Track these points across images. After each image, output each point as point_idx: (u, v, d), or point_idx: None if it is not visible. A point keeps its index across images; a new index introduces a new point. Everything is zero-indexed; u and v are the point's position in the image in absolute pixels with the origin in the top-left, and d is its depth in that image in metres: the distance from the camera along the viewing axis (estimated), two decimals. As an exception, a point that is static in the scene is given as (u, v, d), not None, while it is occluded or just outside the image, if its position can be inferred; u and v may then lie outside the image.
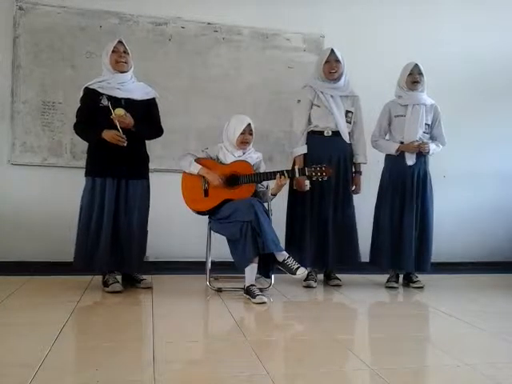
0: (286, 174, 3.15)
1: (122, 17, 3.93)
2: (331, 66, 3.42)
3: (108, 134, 2.98)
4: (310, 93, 3.48)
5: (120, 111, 3.00)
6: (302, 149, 3.46)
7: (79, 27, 3.86)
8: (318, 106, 3.46)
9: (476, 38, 4.56)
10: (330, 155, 3.40)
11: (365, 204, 3.65)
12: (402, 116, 3.55)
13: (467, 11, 4.54)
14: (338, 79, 3.46)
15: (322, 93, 3.45)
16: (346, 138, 3.46)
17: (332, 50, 3.43)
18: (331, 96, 3.45)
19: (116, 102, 3.05)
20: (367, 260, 3.63)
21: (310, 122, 3.48)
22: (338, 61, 3.42)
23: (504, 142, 4.71)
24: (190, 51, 4.09)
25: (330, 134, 3.44)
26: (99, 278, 3.21)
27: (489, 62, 4.60)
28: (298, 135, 3.47)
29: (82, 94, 3.11)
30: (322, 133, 3.45)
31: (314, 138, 3.46)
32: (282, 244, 3.20)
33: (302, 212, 3.45)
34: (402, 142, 3.53)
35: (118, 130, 2.98)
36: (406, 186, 3.51)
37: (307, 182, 3.30)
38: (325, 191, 3.42)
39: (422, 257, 3.53)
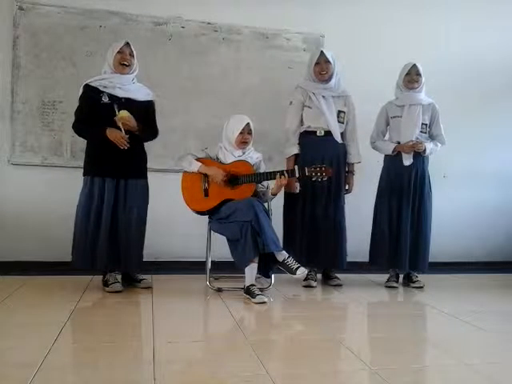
0: (286, 174, 3.15)
1: (122, 16, 3.92)
2: (321, 68, 3.43)
3: (112, 135, 2.97)
4: (302, 94, 3.49)
5: (124, 113, 2.99)
6: (294, 149, 3.48)
7: (79, 27, 3.86)
8: (310, 107, 3.47)
9: (476, 38, 4.55)
10: (322, 155, 3.39)
11: (365, 204, 3.66)
12: (398, 117, 3.56)
13: (467, 11, 4.53)
14: (328, 80, 3.47)
15: (313, 94, 3.46)
16: (338, 138, 3.46)
17: (322, 52, 3.44)
18: (323, 96, 3.46)
19: (116, 100, 3.05)
20: (367, 260, 3.64)
21: (302, 122, 3.50)
22: (327, 62, 3.43)
23: (504, 141, 4.71)
24: (190, 51, 4.08)
25: (323, 133, 3.45)
26: (99, 277, 3.22)
27: (489, 63, 4.59)
28: (289, 136, 3.50)
29: (81, 91, 3.10)
30: (314, 133, 3.46)
31: (307, 138, 3.48)
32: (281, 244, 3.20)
33: (294, 212, 3.46)
34: (399, 143, 3.54)
35: (121, 131, 2.98)
36: (404, 186, 3.51)
37: (297, 185, 3.34)
38: (317, 191, 3.42)
39: (419, 256, 3.54)
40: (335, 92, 3.49)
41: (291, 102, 3.52)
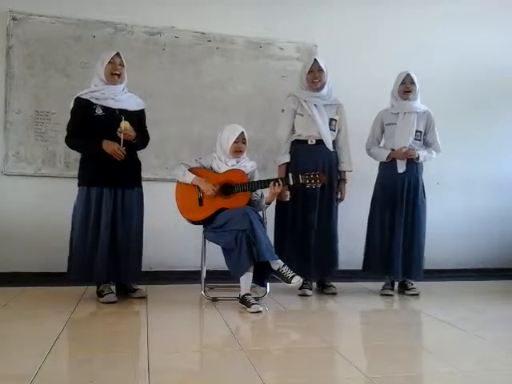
0: (280, 182, 3.15)
1: (116, 26, 3.93)
2: (314, 76, 3.45)
3: (109, 147, 2.97)
4: (294, 102, 3.50)
5: (126, 124, 2.99)
6: (285, 158, 3.49)
7: (73, 37, 3.86)
8: (302, 115, 3.48)
9: (469, 46, 4.58)
10: (314, 164, 3.39)
11: (358, 211, 3.66)
12: (393, 124, 3.58)
13: (462, 17, 4.55)
14: (320, 88, 3.48)
15: (305, 102, 3.47)
16: (330, 146, 3.47)
17: (315, 60, 3.46)
18: (315, 105, 3.47)
19: (110, 112, 3.05)
20: (361, 267, 3.64)
21: (294, 131, 3.50)
22: (321, 70, 3.44)
23: (498, 149, 4.73)
24: (184, 60, 4.09)
25: (314, 142, 3.46)
26: (93, 288, 3.19)
27: (482, 71, 4.61)
28: (281, 144, 3.51)
29: (72, 104, 3.09)
30: (305, 141, 3.47)
31: (298, 146, 3.48)
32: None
33: (285, 221, 3.46)
34: (393, 150, 3.56)
35: (120, 144, 2.98)
36: (398, 193, 3.52)
37: (287, 193, 3.35)
38: (309, 200, 3.42)
39: (413, 264, 3.53)
40: (327, 100, 3.51)
41: (283, 110, 3.54)
